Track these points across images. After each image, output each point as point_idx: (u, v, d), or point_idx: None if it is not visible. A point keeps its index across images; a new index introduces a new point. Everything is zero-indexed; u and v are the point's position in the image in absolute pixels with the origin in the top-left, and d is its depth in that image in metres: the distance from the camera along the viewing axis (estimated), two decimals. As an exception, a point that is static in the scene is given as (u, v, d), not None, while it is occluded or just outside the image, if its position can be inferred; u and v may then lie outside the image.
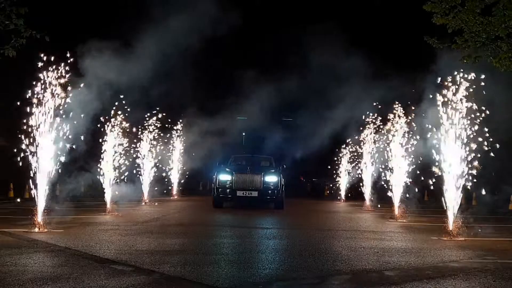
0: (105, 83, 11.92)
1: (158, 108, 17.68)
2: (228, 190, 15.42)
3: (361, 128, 17.41)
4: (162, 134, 18.67)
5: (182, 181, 22.52)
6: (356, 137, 18.21)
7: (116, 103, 13.39)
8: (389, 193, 13.61)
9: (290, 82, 20.78)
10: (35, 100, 9.14)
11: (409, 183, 13.52)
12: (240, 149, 24.53)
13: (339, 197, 21.97)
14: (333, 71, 18.83)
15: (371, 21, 24.47)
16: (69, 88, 9.49)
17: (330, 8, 25.76)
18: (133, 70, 13.49)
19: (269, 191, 15.38)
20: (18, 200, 16.18)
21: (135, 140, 16.56)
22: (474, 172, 9.27)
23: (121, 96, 13.49)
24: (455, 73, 9.34)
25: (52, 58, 9.32)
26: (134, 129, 15.49)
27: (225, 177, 15.59)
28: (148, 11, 15.21)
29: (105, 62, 12.13)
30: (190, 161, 22.34)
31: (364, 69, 17.98)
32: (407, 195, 13.65)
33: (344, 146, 20.98)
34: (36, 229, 9.00)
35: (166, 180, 20.84)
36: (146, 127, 17.45)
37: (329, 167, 22.43)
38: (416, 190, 14.33)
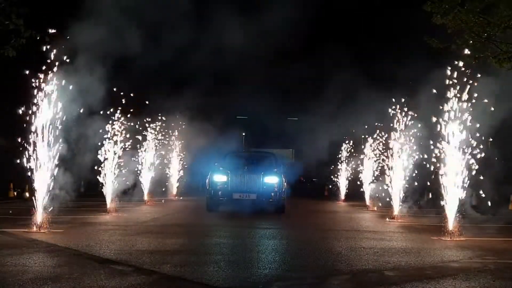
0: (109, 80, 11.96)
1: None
2: (222, 192, 13.92)
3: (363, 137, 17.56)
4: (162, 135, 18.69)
5: (179, 181, 22.51)
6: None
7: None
8: (390, 193, 13.61)
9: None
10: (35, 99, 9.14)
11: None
12: (240, 149, 24.44)
13: (339, 197, 21.98)
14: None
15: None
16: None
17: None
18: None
19: (270, 193, 13.86)
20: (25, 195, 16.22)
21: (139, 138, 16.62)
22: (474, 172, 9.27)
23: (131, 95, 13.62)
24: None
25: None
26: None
27: (219, 177, 14.13)
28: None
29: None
30: (189, 160, 22.36)
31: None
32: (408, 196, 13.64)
33: (343, 151, 21.11)
34: (36, 229, 8.99)
35: (166, 180, 20.86)
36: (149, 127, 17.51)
37: (331, 167, 22.53)
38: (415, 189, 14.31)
